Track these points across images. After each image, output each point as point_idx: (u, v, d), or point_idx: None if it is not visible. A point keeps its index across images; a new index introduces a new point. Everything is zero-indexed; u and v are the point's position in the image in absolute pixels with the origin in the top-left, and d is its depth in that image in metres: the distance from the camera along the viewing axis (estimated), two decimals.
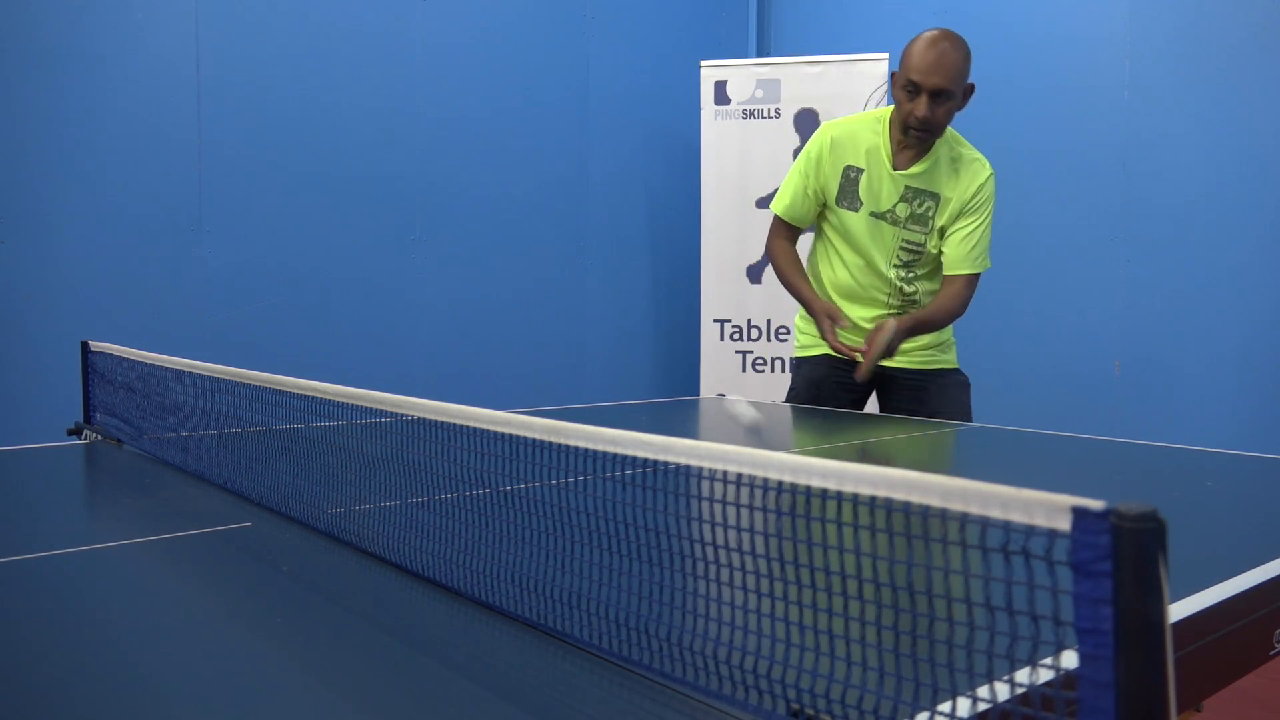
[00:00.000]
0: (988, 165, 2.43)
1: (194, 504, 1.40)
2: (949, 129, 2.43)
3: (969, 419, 2.50)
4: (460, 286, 4.14)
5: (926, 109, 2.29)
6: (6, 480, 1.65)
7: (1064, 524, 0.50)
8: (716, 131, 4.39)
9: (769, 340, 4.37)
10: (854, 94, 4.19)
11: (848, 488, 0.61)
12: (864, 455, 1.86)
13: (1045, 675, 0.56)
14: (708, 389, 4.34)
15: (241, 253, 3.61)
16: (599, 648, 0.82)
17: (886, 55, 4.20)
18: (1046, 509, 0.51)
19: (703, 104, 4.40)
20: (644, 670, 0.78)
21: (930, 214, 2.43)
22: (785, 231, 2.60)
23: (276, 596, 1.00)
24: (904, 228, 2.45)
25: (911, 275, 2.49)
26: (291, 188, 3.70)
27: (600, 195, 4.59)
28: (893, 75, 2.38)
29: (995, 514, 0.54)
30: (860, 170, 2.47)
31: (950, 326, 2.57)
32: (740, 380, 4.31)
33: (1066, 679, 0.52)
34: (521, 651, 0.84)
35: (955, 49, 2.29)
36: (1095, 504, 0.49)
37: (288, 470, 1.32)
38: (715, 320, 4.40)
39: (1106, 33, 3.81)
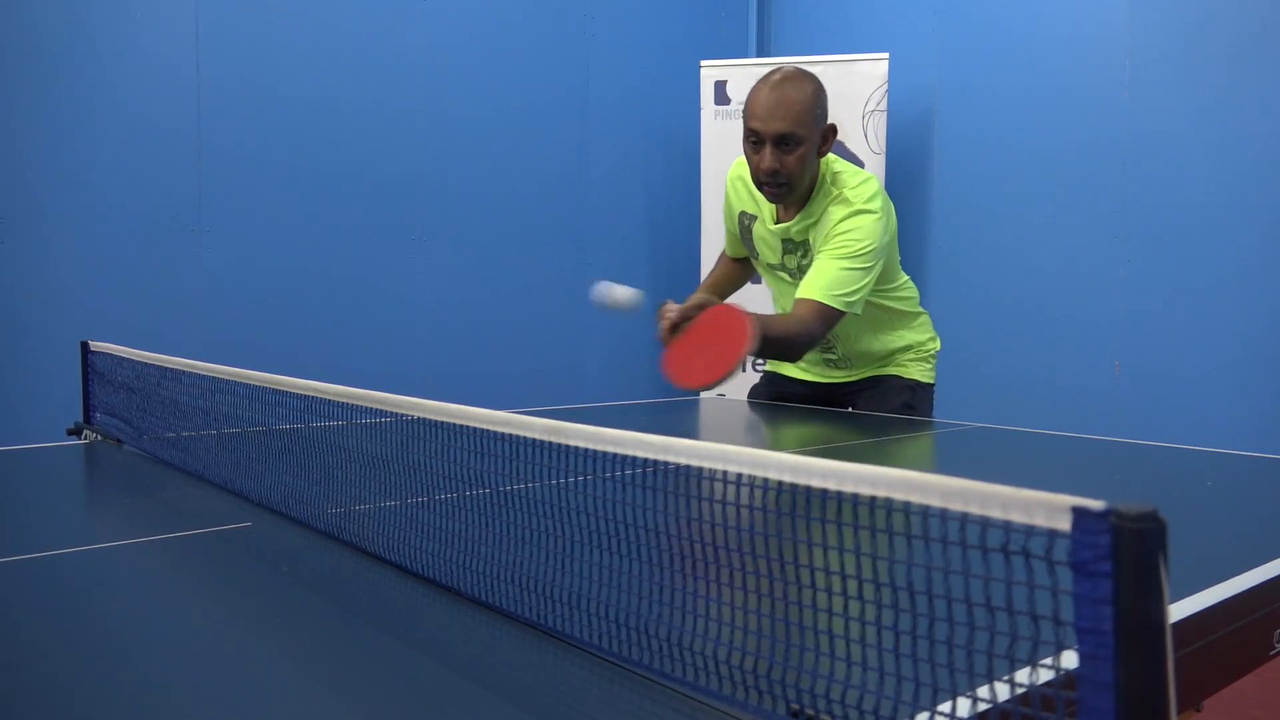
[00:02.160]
0: (854, 203, 2.07)
1: (194, 504, 1.40)
2: (836, 169, 2.13)
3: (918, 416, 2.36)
4: (460, 286, 4.14)
5: (772, 159, 2.02)
6: (6, 480, 1.65)
7: (1064, 524, 0.50)
8: (716, 131, 4.39)
9: None
10: (854, 94, 4.18)
11: (848, 488, 0.61)
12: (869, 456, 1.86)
13: (1045, 675, 0.56)
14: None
15: (241, 253, 3.61)
16: (599, 648, 0.82)
17: (886, 55, 4.20)
18: (1046, 509, 0.51)
19: (703, 104, 4.40)
20: (644, 670, 0.78)
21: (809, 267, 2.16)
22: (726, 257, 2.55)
23: (276, 596, 1.00)
24: (799, 281, 2.18)
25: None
26: (291, 188, 3.70)
27: (600, 195, 4.58)
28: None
29: (995, 514, 0.54)
30: (754, 218, 2.28)
31: (913, 340, 2.35)
32: (740, 380, 4.30)
33: (1066, 679, 0.52)
34: (521, 651, 0.84)
35: (798, 89, 2.02)
36: (1095, 504, 0.49)
37: (288, 470, 1.32)
38: None
39: (1106, 33, 3.81)
